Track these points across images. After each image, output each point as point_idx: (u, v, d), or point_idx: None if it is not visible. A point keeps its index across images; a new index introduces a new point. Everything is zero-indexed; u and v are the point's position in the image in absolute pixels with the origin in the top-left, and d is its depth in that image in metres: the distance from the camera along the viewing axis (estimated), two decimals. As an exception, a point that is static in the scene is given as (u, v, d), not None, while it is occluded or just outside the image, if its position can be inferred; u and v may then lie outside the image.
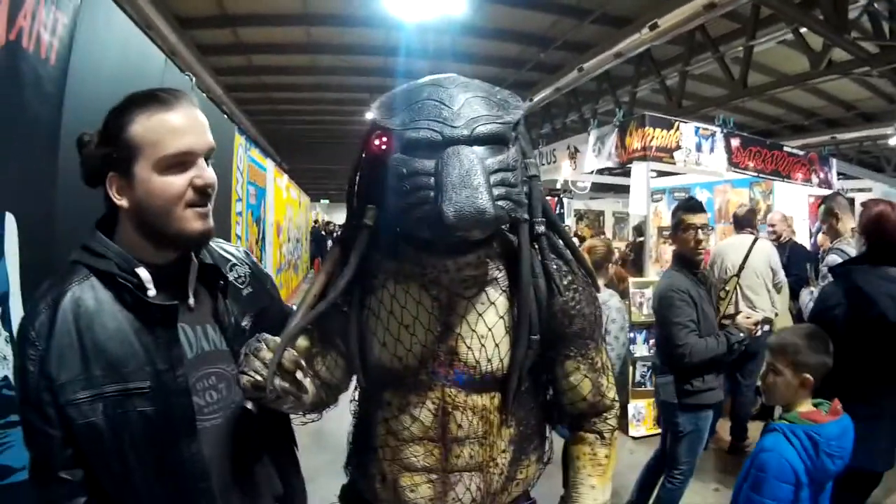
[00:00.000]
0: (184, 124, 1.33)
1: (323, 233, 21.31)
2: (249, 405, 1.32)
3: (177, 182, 1.31)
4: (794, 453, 2.18)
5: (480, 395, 1.43)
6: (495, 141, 1.27)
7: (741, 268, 5.46)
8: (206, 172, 1.33)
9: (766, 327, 5.67)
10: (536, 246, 1.44)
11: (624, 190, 10.94)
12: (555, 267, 1.45)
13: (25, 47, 1.83)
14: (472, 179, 1.20)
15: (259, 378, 1.26)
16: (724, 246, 6.19)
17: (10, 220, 1.80)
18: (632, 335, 6.04)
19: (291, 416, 1.46)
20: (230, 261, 1.58)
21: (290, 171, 16.14)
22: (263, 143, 16.76)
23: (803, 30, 8.16)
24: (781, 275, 5.89)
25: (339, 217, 36.72)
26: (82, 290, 1.33)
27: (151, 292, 1.34)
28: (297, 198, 14.12)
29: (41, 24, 1.90)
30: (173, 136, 1.31)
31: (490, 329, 1.42)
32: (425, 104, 1.27)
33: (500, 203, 1.24)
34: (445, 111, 1.26)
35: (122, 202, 1.35)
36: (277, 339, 1.32)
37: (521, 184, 1.33)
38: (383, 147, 1.30)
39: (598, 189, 12.55)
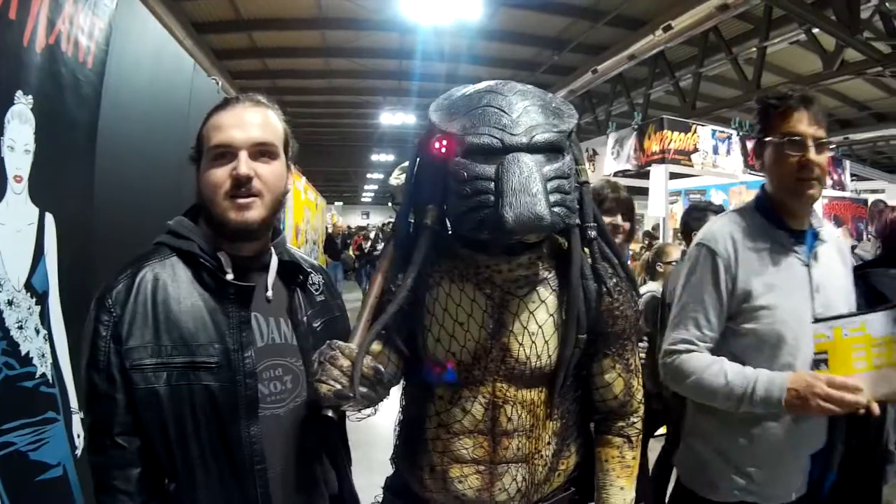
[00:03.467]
0: (228, 121, 1.41)
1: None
2: (330, 413, 1.34)
3: (218, 173, 1.38)
4: None
5: (529, 389, 1.48)
6: (552, 149, 1.34)
7: None
8: (241, 164, 1.37)
9: None
10: (587, 249, 1.48)
11: (638, 192, 10.91)
12: (609, 272, 1.49)
13: (64, 51, 1.87)
14: (531, 186, 1.26)
15: (339, 387, 1.30)
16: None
17: (49, 221, 1.83)
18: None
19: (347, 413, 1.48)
20: (305, 268, 1.61)
21: (305, 173, 16.19)
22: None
23: (816, 30, 8.10)
24: None
25: (352, 219, 36.96)
26: (163, 266, 1.39)
27: (230, 276, 1.40)
28: (314, 200, 14.15)
29: (79, 29, 1.94)
30: (217, 131, 1.40)
31: (540, 326, 1.45)
32: (486, 111, 1.33)
33: (555, 209, 1.30)
34: (505, 118, 1.31)
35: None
36: (351, 345, 1.36)
37: (573, 190, 1.39)
38: (443, 150, 1.35)
39: (613, 191, 12.51)
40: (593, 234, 1.47)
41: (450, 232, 1.48)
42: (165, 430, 1.31)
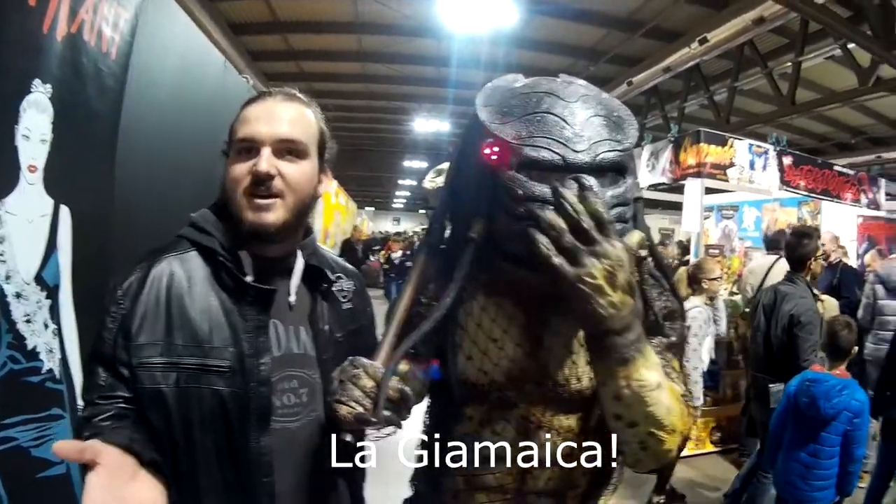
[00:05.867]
0: (256, 114, 1.33)
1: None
2: (349, 438, 1.22)
3: (239, 167, 1.30)
4: (793, 381, 3.57)
5: (566, 415, 1.35)
6: (615, 169, 1.21)
7: (758, 290, 5.49)
8: (262, 160, 1.28)
9: None
10: (635, 268, 1.29)
11: (670, 206, 10.77)
12: (654, 294, 1.36)
13: (87, 40, 1.84)
14: None
15: (361, 409, 1.18)
16: (750, 268, 6.16)
17: (64, 213, 1.80)
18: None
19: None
20: (336, 272, 1.53)
21: (337, 177, 16.19)
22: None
23: (851, 45, 7.96)
24: None
25: (383, 225, 37.12)
26: (181, 260, 1.32)
27: (249, 277, 1.32)
28: (344, 204, 14.15)
29: (103, 19, 1.91)
30: (243, 124, 1.33)
31: (582, 346, 1.32)
32: (545, 119, 1.20)
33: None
34: (567, 130, 1.18)
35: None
36: (376, 364, 1.23)
37: (631, 218, 1.25)
38: (494, 158, 1.21)
39: (646, 205, 12.37)
40: (644, 252, 1.30)
41: (494, 245, 1.34)
42: (171, 433, 1.25)
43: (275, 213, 1.30)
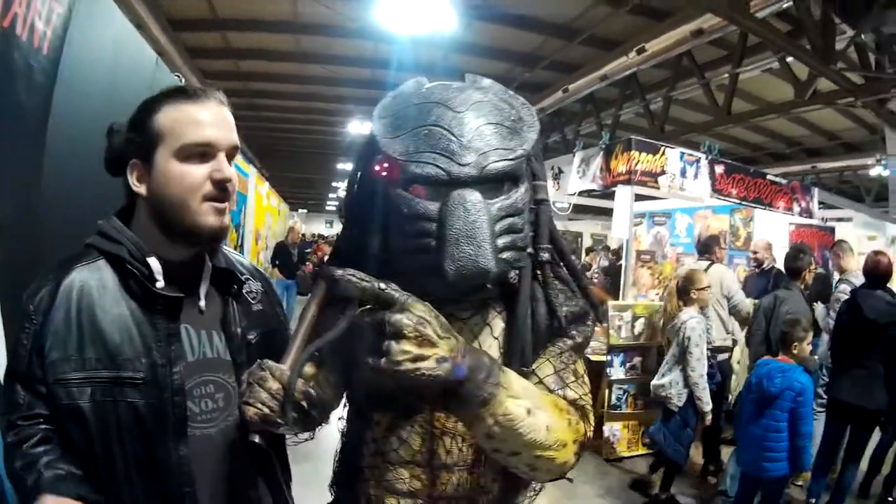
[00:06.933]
0: (208, 117, 1.33)
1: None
2: (257, 439, 1.22)
3: (195, 172, 1.30)
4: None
5: None
6: (508, 179, 1.21)
7: None
8: (225, 167, 1.31)
9: (727, 355, 5.84)
10: (539, 272, 1.34)
11: (603, 212, 10.97)
12: (561, 298, 1.35)
13: (19, 35, 1.77)
14: (477, 234, 1.14)
15: (267, 411, 1.19)
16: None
17: (-10, 216, 1.73)
18: (609, 357, 6.04)
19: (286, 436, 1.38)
20: (244, 273, 1.53)
21: (270, 178, 16.01)
22: (244, 149, 16.59)
23: (789, 59, 8.22)
24: (738, 298, 5.95)
25: (316, 227, 36.78)
26: (90, 271, 1.31)
27: (160, 284, 1.31)
28: (276, 206, 13.95)
29: (35, 13, 1.85)
30: (196, 127, 1.31)
31: (487, 350, 1.30)
32: (432, 132, 1.19)
33: (503, 255, 1.19)
34: (453, 143, 1.17)
35: (141, 189, 1.35)
36: (282, 366, 1.23)
37: (526, 224, 1.26)
38: (384, 174, 1.22)
39: (578, 210, 12.56)
40: (546, 256, 1.33)
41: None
42: (91, 448, 1.24)
43: (227, 217, 1.34)
